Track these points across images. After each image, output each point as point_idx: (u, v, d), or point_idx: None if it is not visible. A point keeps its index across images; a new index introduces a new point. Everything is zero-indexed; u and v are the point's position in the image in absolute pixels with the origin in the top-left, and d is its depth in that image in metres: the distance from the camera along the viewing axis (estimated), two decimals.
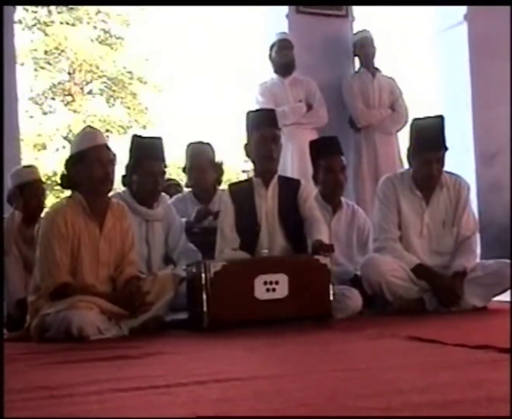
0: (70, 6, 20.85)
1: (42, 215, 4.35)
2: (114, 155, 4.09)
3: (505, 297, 4.55)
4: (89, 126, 4.34)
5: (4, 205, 5.34)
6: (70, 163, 4.01)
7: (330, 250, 4.05)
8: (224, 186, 5.34)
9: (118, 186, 4.62)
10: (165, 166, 4.64)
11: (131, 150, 4.59)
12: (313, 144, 5.19)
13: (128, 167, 4.60)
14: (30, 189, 4.69)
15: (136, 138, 4.64)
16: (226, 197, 4.51)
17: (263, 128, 4.42)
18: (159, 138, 4.65)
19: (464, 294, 4.42)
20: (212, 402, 1.87)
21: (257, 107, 6.74)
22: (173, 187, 6.24)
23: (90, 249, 3.96)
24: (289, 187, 4.48)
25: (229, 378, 2.21)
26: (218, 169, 5.28)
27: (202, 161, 5.23)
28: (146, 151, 4.50)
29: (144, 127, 21.95)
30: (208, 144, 5.38)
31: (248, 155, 4.51)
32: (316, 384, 2.09)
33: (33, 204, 4.53)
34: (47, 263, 3.89)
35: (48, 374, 2.58)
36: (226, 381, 2.17)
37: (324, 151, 4.98)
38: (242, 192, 4.47)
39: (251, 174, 6.08)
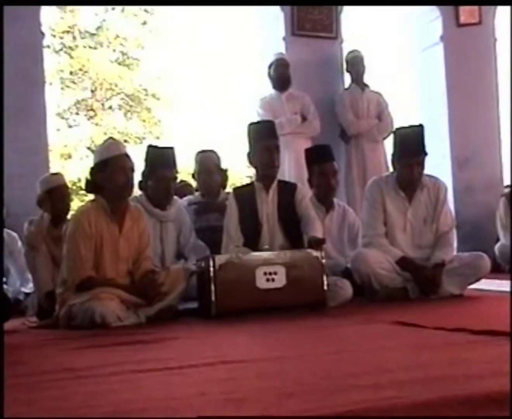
0: (89, 32, 20.85)
1: (69, 216, 4.33)
2: (133, 163, 4.09)
3: (478, 285, 4.55)
4: (111, 137, 4.32)
5: (4, 204, 5.36)
6: (94, 170, 3.99)
7: (322, 243, 4.04)
8: (229, 189, 5.32)
9: (135, 190, 4.60)
10: (177, 172, 4.63)
11: (146, 159, 4.57)
12: (308, 151, 5.18)
13: (143, 174, 4.59)
14: (57, 193, 4.66)
15: (150, 148, 4.62)
16: (231, 199, 4.48)
17: (266, 139, 4.39)
18: (171, 148, 4.63)
19: (442, 283, 4.41)
20: (219, 382, 1.87)
21: (257, 119, 6.74)
22: (185, 188, 6.24)
23: (111, 247, 3.95)
24: (287, 190, 4.46)
25: (234, 360, 2.20)
26: (223, 174, 5.27)
27: (209, 164, 5.21)
28: (160, 160, 4.49)
29: (158, 137, 21.89)
30: (213, 151, 5.37)
31: (250, 162, 4.49)
32: (312, 365, 2.08)
33: (60, 207, 4.51)
34: (73, 259, 3.88)
35: (73, 358, 2.57)
36: (231, 362, 2.16)
37: (318, 157, 4.97)
38: (245, 195, 4.45)
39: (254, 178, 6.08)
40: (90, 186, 4.05)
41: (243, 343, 2.79)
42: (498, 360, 1.89)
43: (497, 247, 6.93)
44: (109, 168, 3.91)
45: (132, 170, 3.99)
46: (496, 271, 6.06)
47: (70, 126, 21.64)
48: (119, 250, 3.98)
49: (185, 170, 20.05)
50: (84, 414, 1.55)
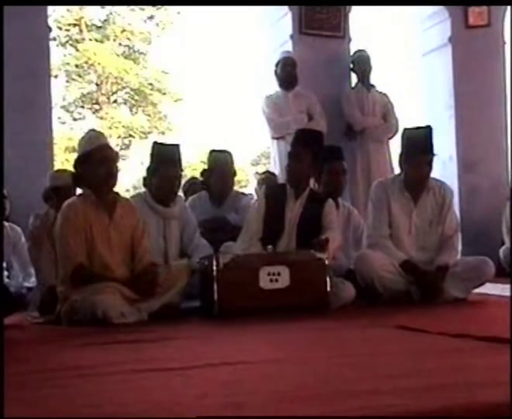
0: (96, 25, 20.89)
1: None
2: (117, 153, 4.13)
3: (482, 289, 4.55)
4: (92, 129, 4.34)
5: (8, 198, 5.39)
6: (78, 163, 4.03)
7: (326, 243, 4.06)
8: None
9: (139, 186, 4.61)
10: (182, 170, 4.63)
11: (151, 156, 4.57)
12: None
13: (148, 171, 4.59)
14: (63, 192, 4.62)
15: (156, 145, 4.62)
16: (261, 196, 4.55)
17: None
18: (177, 145, 4.63)
19: (446, 287, 4.41)
20: (221, 384, 1.87)
21: (263, 117, 6.76)
22: (196, 185, 6.26)
23: (102, 235, 3.95)
24: (316, 201, 4.50)
25: (236, 362, 2.21)
26: (233, 176, 5.32)
27: (225, 169, 5.24)
28: (165, 157, 4.48)
29: (163, 133, 21.93)
30: (228, 152, 5.36)
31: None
32: (313, 369, 2.09)
33: None
34: (64, 251, 3.91)
35: (76, 355, 2.58)
36: (234, 364, 2.17)
37: (329, 155, 4.97)
38: (275, 196, 4.50)
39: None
40: (76, 179, 4.09)
41: (246, 344, 2.79)
42: (500, 369, 1.90)
43: (502, 250, 6.93)
44: (91, 160, 3.94)
45: (114, 160, 4.02)
46: (501, 275, 6.06)
47: (75, 119, 21.70)
48: (111, 238, 3.99)
49: (191, 165, 20.05)
50: (87, 414, 1.56)
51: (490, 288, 4.65)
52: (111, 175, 3.99)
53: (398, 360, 2.19)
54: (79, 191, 4.23)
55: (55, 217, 4.59)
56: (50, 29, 6.67)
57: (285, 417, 1.47)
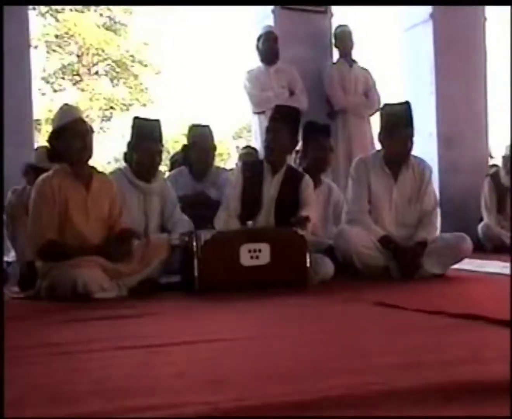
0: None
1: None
2: (90, 126, 4.12)
3: (460, 265, 4.60)
4: (66, 103, 4.32)
5: (4, 195, 5.38)
6: (52, 137, 4.03)
7: (307, 220, 4.08)
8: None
9: (120, 159, 4.59)
10: (162, 146, 4.62)
11: (132, 131, 4.55)
12: (307, 125, 5.16)
13: (129, 146, 4.58)
14: (42, 173, 4.58)
15: (136, 120, 4.59)
16: (238, 172, 4.57)
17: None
18: (158, 120, 4.60)
19: (424, 263, 4.46)
20: (199, 362, 1.89)
21: (244, 91, 6.75)
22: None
23: (79, 206, 3.96)
24: (294, 178, 4.53)
25: (215, 339, 2.23)
26: (214, 151, 5.32)
27: (205, 145, 5.23)
28: (145, 132, 4.46)
29: (144, 105, 21.84)
30: (208, 127, 5.35)
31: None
32: (291, 347, 2.11)
33: None
34: (34, 226, 3.91)
35: (54, 332, 2.58)
36: (212, 342, 2.19)
37: (317, 131, 5.00)
38: (252, 173, 4.51)
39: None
40: (51, 154, 4.07)
41: (225, 321, 2.80)
42: (475, 346, 1.94)
43: (480, 226, 7.01)
44: (66, 134, 3.94)
45: (88, 133, 4.02)
46: (479, 250, 6.13)
47: (55, 91, 21.52)
48: (88, 209, 3.99)
49: (172, 138, 19.93)
50: (63, 392, 1.57)
51: (467, 264, 4.71)
52: (85, 148, 3.99)
53: (374, 338, 2.22)
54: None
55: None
56: None
57: (260, 398, 1.50)
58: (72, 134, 3.93)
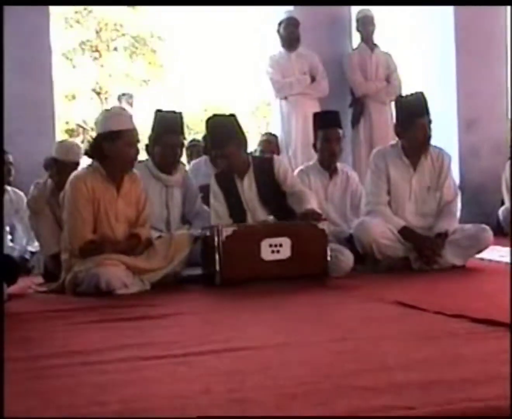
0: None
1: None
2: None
3: (482, 255, 4.60)
4: (120, 107, 4.36)
5: (11, 163, 5.43)
6: (101, 137, 4.01)
7: (320, 219, 4.10)
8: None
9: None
10: (184, 139, 4.65)
11: (153, 124, 4.58)
12: (315, 116, 5.17)
13: (150, 139, 4.61)
14: (64, 167, 4.60)
15: (158, 113, 4.60)
16: (213, 183, 4.44)
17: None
18: (179, 113, 4.62)
19: (445, 254, 4.47)
20: (224, 375, 1.92)
21: (266, 77, 6.75)
22: (199, 146, 6.25)
23: (110, 209, 4.01)
24: (264, 168, 4.44)
25: (238, 348, 2.25)
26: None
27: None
28: (167, 125, 4.49)
29: (162, 82, 21.84)
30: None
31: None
32: (314, 357, 2.13)
33: (64, 179, 4.33)
34: (75, 224, 3.95)
35: (80, 336, 2.63)
36: (235, 350, 2.22)
37: (324, 122, 4.98)
38: (226, 182, 4.43)
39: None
40: (95, 152, 4.06)
41: (247, 324, 2.82)
42: (497, 360, 1.95)
43: (501, 210, 6.99)
44: (119, 141, 3.95)
45: (139, 143, 4.07)
46: (500, 234, 6.12)
47: (74, 67, 21.53)
48: (118, 211, 4.04)
49: (192, 119, 19.78)
50: (94, 413, 1.60)
51: (488, 253, 4.70)
52: (136, 160, 4.09)
53: (395, 347, 2.22)
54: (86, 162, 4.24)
55: (56, 184, 4.62)
56: None
57: (285, 417, 1.54)
58: (128, 142, 3.97)
